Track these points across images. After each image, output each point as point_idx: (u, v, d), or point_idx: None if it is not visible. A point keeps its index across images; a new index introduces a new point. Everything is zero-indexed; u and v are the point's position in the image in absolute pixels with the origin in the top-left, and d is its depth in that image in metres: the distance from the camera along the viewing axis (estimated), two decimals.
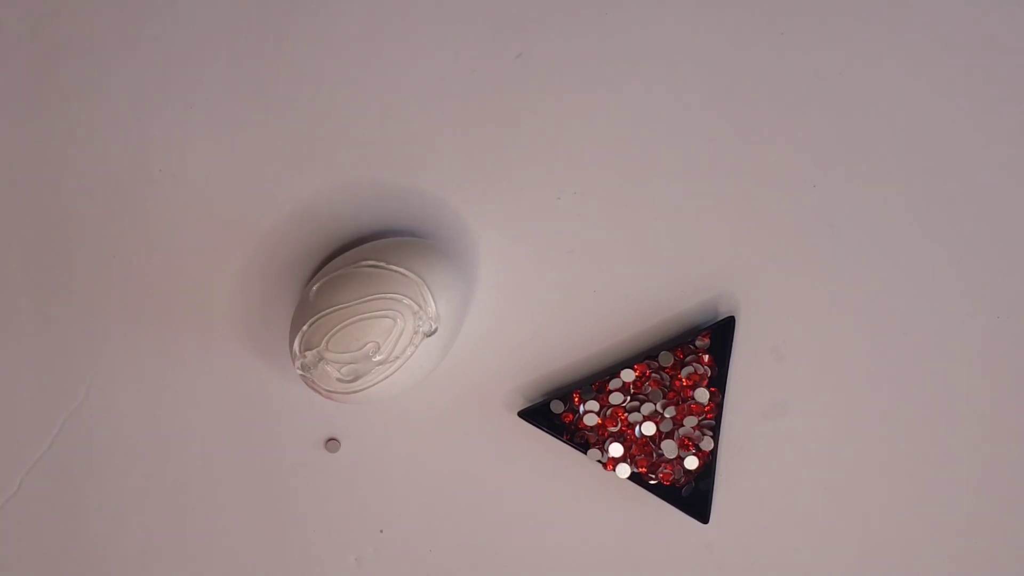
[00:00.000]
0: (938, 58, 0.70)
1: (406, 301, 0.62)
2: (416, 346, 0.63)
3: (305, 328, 0.63)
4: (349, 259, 0.65)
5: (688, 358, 0.69)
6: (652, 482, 0.69)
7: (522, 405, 0.70)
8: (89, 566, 0.71)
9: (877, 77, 0.70)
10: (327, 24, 0.70)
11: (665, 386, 0.69)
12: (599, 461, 0.69)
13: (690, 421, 0.69)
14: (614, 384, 0.69)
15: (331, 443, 0.71)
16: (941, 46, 0.70)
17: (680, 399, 0.69)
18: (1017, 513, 0.71)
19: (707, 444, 0.69)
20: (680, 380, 0.69)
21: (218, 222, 0.69)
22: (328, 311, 0.62)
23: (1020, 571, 0.71)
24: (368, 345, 0.62)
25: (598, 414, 0.69)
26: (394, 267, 0.63)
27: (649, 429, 0.69)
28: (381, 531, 0.71)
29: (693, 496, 0.69)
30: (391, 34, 0.69)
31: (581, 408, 0.69)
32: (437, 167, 0.69)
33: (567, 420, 0.69)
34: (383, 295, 0.62)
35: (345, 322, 0.62)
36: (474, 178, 0.70)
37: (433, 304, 0.63)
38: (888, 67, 0.70)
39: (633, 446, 0.69)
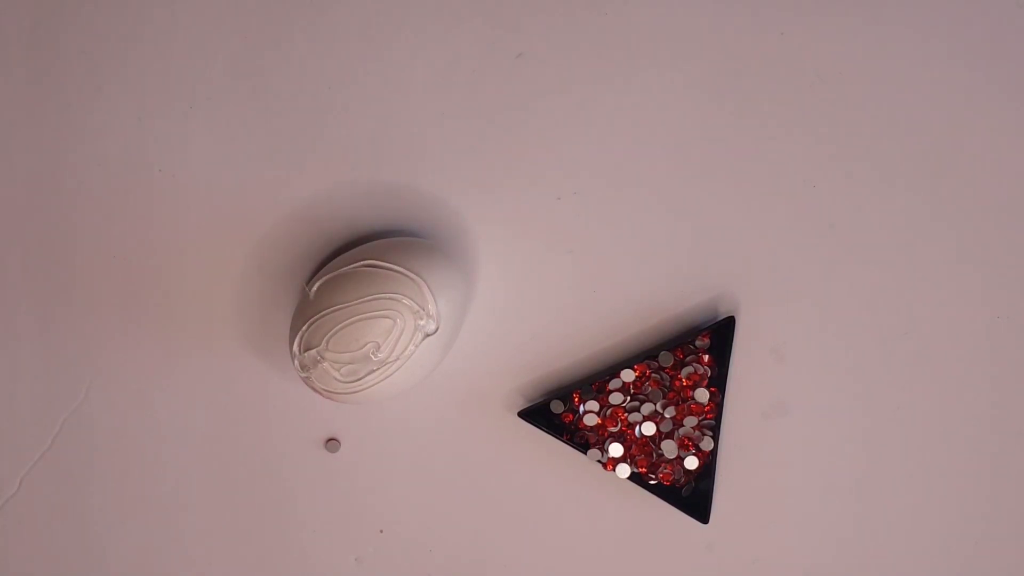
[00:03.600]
0: (938, 58, 0.70)
1: (406, 301, 0.62)
2: (416, 346, 0.63)
3: (305, 328, 0.63)
4: (349, 259, 0.65)
5: (688, 358, 0.69)
6: (652, 482, 0.69)
7: (522, 405, 0.70)
8: (89, 566, 0.71)
9: (877, 77, 0.70)
10: (327, 24, 0.69)
11: (665, 386, 0.69)
12: (599, 461, 0.69)
13: (690, 421, 0.69)
14: (614, 384, 0.69)
15: (331, 443, 0.71)
16: (941, 46, 0.70)
17: (680, 399, 0.69)
18: (1018, 514, 0.71)
19: (707, 444, 0.69)
20: (680, 380, 0.69)
21: (218, 222, 0.69)
22: (328, 311, 0.62)
23: (1020, 572, 0.71)
24: (368, 345, 0.62)
25: (598, 414, 0.69)
26: (394, 267, 0.63)
27: (649, 429, 0.69)
28: (381, 531, 0.71)
29: (693, 496, 0.69)
30: (391, 34, 0.69)
31: (581, 408, 0.69)
32: (437, 167, 0.69)
33: (567, 420, 0.69)
34: (383, 295, 0.62)
35: (345, 322, 0.62)
36: (474, 178, 0.70)
37: (433, 304, 0.63)
38: (888, 67, 0.70)
39: (633, 446, 0.69)
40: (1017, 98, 0.70)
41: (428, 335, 0.63)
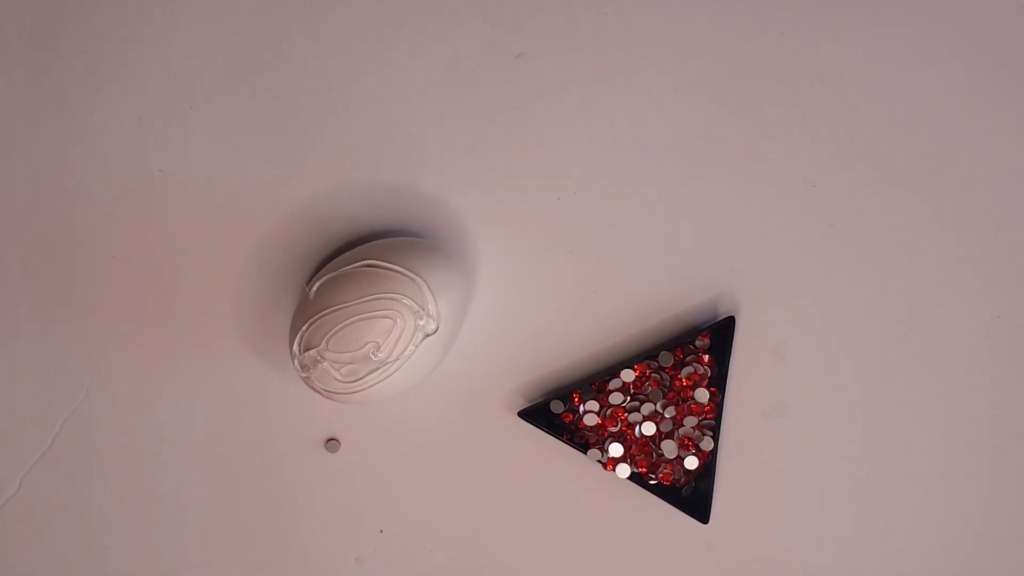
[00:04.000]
0: (938, 58, 0.70)
1: (406, 301, 0.62)
2: (416, 346, 0.63)
3: (305, 328, 0.63)
4: (349, 259, 0.65)
5: (688, 358, 0.69)
6: (652, 482, 0.69)
7: (522, 405, 0.70)
8: (89, 566, 0.71)
9: (877, 77, 0.70)
10: (327, 24, 0.69)
11: (665, 386, 0.69)
12: (599, 461, 0.69)
13: (690, 421, 0.69)
14: (614, 384, 0.69)
15: (331, 443, 0.71)
16: (941, 46, 0.70)
17: (680, 399, 0.69)
18: (1018, 514, 0.71)
19: (707, 444, 0.69)
20: (680, 380, 0.69)
21: (218, 222, 0.69)
22: (328, 311, 0.62)
23: (1020, 572, 0.71)
24: (368, 345, 0.62)
25: (598, 414, 0.69)
26: (394, 267, 0.63)
27: (649, 429, 0.69)
28: (381, 531, 0.71)
29: (693, 496, 0.69)
30: (392, 34, 0.69)
31: (581, 408, 0.69)
32: (437, 167, 0.69)
33: (567, 420, 0.69)
34: (383, 295, 0.62)
35: (345, 322, 0.62)
36: (474, 178, 0.70)
37: (433, 304, 0.63)
38: (888, 67, 0.70)
39: (633, 446, 0.69)
40: (1017, 98, 0.70)
41: (428, 335, 0.63)
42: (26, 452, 0.71)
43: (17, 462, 0.71)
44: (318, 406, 0.70)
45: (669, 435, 0.69)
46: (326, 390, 0.63)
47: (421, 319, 0.63)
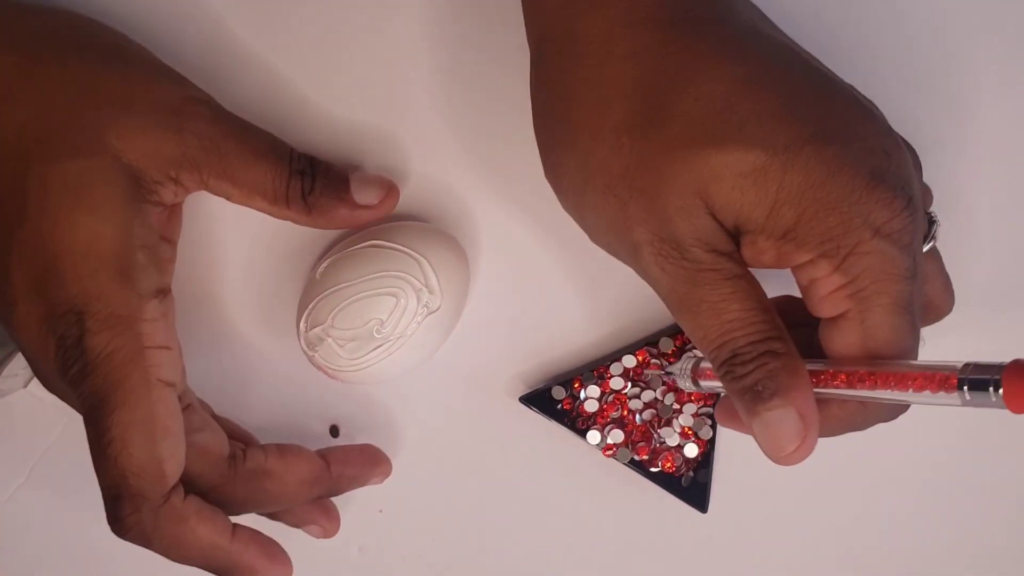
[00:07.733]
0: (933, 56, 0.71)
1: (409, 279, 0.64)
2: (419, 324, 0.64)
3: (311, 306, 0.64)
4: (355, 240, 0.66)
5: (687, 345, 0.69)
6: (653, 470, 0.70)
7: (523, 391, 0.71)
8: (97, 556, 0.72)
9: (872, 75, 0.71)
10: (332, 12, 0.70)
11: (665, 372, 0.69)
12: (599, 447, 0.69)
13: (689, 408, 0.69)
14: (615, 369, 0.69)
15: (333, 428, 0.70)
16: (936, 44, 0.71)
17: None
18: (1017, 508, 0.71)
19: (706, 433, 0.69)
20: None
21: (227, 206, 0.69)
22: (333, 289, 0.64)
23: (1020, 565, 0.71)
24: (372, 322, 0.63)
25: (599, 400, 0.69)
26: (398, 246, 0.64)
27: (649, 416, 0.69)
28: (381, 511, 0.71)
29: (692, 486, 0.70)
30: (397, 22, 0.69)
31: (582, 394, 0.69)
32: (442, 153, 0.70)
33: (568, 406, 0.70)
34: (387, 273, 0.64)
35: (350, 299, 0.63)
36: (478, 163, 0.70)
37: (436, 283, 0.64)
38: (884, 65, 0.71)
39: (634, 432, 0.69)
40: (1013, 92, 0.70)
41: (431, 312, 0.64)
42: (34, 442, 0.71)
43: (26, 452, 0.72)
44: (323, 392, 0.70)
45: (669, 422, 0.69)
46: (331, 368, 0.64)
47: (424, 297, 0.64)
